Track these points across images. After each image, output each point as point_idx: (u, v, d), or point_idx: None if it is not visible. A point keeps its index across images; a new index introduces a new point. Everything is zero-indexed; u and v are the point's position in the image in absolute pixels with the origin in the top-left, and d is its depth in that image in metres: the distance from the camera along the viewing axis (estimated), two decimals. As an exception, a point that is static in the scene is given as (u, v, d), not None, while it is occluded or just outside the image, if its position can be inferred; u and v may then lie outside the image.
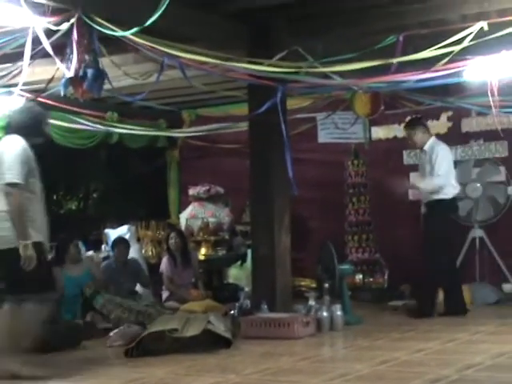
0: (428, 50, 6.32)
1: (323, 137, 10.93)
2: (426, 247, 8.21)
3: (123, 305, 7.95)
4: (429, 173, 8.33)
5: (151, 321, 7.16)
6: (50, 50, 5.93)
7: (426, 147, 8.44)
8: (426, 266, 8.18)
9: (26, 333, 5.58)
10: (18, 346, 5.49)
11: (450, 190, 8.31)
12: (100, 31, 5.94)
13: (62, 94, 6.16)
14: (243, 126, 9.29)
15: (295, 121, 9.77)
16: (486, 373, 5.18)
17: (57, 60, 6.04)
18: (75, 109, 9.61)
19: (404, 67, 6.72)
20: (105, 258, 10.14)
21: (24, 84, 7.88)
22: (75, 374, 5.71)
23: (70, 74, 5.92)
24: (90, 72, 5.96)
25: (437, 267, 8.10)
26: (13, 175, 5.53)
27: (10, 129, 5.88)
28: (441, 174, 8.23)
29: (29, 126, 5.86)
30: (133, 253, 9.84)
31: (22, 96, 7.78)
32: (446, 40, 6.26)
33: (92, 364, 6.13)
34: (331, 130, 10.72)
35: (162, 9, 5.51)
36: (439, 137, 10.30)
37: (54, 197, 13.25)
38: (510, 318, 8.03)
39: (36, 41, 5.94)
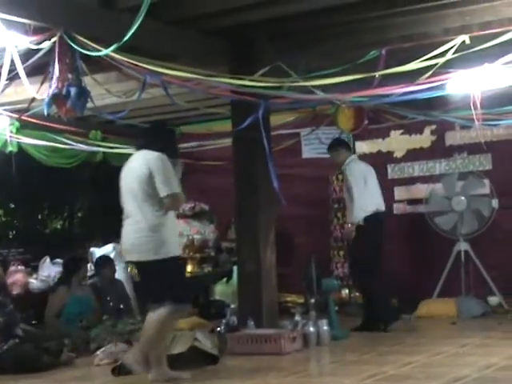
0: (411, 63, 6.34)
1: (307, 152, 10.96)
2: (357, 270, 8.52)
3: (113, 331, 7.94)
4: (348, 198, 8.54)
5: (137, 338, 7.11)
6: (22, 73, 5.90)
7: (343, 167, 8.67)
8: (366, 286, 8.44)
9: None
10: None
11: (369, 207, 8.43)
12: (81, 51, 5.94)
13: (46, 113, 6.13)
14: (227, 143, 9.31)
15: (279, 136, 9.79)
16: (474, 385, 5.19)
17: (26, 82, 5.99)
18: (59, 126, 9.59)
19: (387, 81, 6.75)
20: (90, 277, 10.08)
21: (6, 104, 7.92)
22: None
23: (53, 92, 5.90)
24: (73, 90, 5.94)
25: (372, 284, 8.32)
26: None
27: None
28: (356, 196, 8.37)
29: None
30: (118, 272, 9.80)
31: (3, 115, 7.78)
32: (428, 53, 6.29)
33: (80, 382, 6.09)
34: (315, 146, 10.74)
35: (138, 23, 5.48)
36: (423, 151, 10.43)
37: (39, 216, 13.18)
38: (496, 330, 8.06)
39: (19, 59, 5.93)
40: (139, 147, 6.08)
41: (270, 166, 7.43)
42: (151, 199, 5.76)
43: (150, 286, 5.91)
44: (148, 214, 5.76)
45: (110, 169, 11.51)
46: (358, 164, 8.75)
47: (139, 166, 5.85)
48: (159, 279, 5.75)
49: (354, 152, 10.58)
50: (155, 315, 5.75)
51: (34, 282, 9.93)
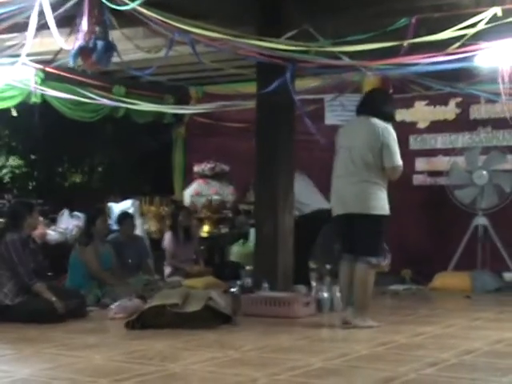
0: (441, 33, 6.27)
1: (330, 118, 10.88)
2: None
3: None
4: None
5: (152, 295, 7.18)
6: (52, 24, 5.89)
7: None
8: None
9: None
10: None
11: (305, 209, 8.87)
12: (109, 4, 5.91)
13: (72, 64, 6.14)
14: (250, 105, 9.27)
15: (302, 101, 9.74)
16: (484, 358, 5.20)
17: (56, 33, 5.98)
18: (83, 79, 9.59)
19: (415, 51, 6.69)
20: (109, 233, 10.14)
21: (32, 55, 7.90)
22: (77, 344, 5.73)
23: (80, 44, 5.90)
24: (99, 44, 5.94)
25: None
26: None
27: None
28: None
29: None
30: (136, 227, 9.85)
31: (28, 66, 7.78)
32: (458, 24, 6.22)
33: (93, 335, 6.16)
34: (339, 112, 10.67)
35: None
36: (447, 123, 10.36)
37: (59, 169, 13.24)
38: (510, 306, 8.06)
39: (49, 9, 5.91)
40: (362, 113, 6.62)
41: (309, 126, 7.38)
42: (375, 164, 6.41)
43: (364, 239, 6.45)
44: (372, 176, 6.41)
45: (132, 125, 11.56)
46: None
47: (369, 133, 6.44)
48: (373, 233, 6.45)
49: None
50: (362, 268, 6.44)
51: (52, 234, 10.01)
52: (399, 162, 6.46)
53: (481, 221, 9.82)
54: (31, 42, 6.33)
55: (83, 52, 5.91)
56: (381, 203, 6.45)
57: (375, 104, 6.63)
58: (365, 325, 6.48)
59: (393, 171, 6.47)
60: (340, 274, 6.71)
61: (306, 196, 8.97)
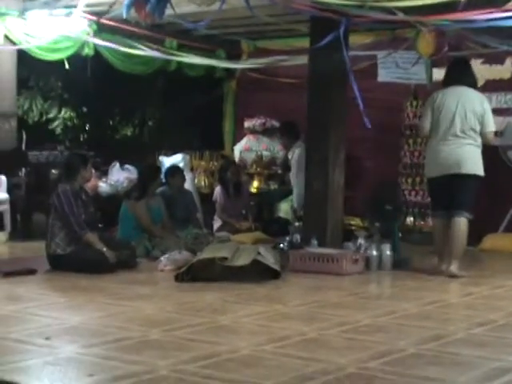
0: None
1: (383, 75, 10.72)
2: None
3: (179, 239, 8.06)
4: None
5: (201, 248, 7.22)
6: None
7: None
8: None
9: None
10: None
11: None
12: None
13: (125, 15, 6.15)
14: (303, 60, 9.20)
15: (355, 58, 9.63)
16: (535, 320, 5.16)
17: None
18: (136, 31, 9.59)
19: (472, 7, 6.56)
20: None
21: (87, 6, 7.92)
22: (127, 294, 5.81)
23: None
24: (153, -5, 5.93)
25: None
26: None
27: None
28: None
29: None
30: (186, 182, 9.90)
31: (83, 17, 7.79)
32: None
33: (143, 286, 6.25)
34: (392, 70, 10.51)
35: None
36: (502, 82, 10.18)
37: (110, 122, 13.32)
38: (562, 268, 7.97)
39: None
40: (462, 83, 7.32)
41: (354, 88, 7.32)
42: (478, 130, 7.19)
43: (465, 197, 7.19)
44: (477, 140, 7.21)
45: (184, 79, 11.56)
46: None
47: (475, 102, 7.24)
48: (472, 192, 7.23)
49: (431, 78, 10.42)
50: (462, 222, 7.14)
51: (103, 186, 10.11)
52: (494, 127, 7.44)
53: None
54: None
55: (137, 3, 5.91)
56: (481, 165, 7.24)
57: (472, 75, 7.50)
58: (463, 274, 7.10)
59: (491, 135, 7.33)
60: (435, 229, 7.46)
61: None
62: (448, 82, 7.39)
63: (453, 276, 7.03)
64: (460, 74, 7.38)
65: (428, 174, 7.51)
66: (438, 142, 7.24)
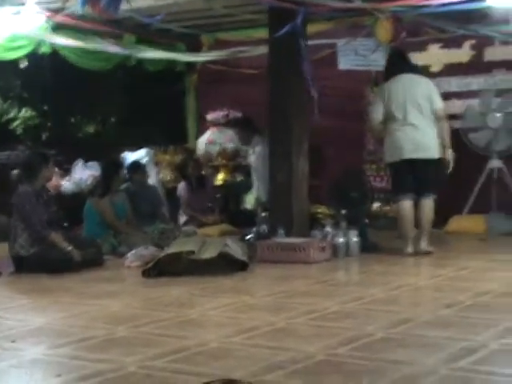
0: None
1: (343, 63, 10.70)
2: None
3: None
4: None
5: (168, 243, 7.20)
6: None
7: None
8: None
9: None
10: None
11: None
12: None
13: (80, 12, 6.09)
14: (263, 51, 9.19)
15: (315, 46, 9.65)
16: (499, 299, 5.21)
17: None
18: (93, 27, 9.49)
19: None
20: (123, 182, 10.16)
21: (41, 3, 7.83)
22: (93, 293, 5.78)
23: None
24: (107, -10, 5.88)
25: None
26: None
27: None
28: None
29: None
30: (151, 177, 9.86)
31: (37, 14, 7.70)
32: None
33: (110, 283, 6.22)
34: (352, 57, 10.51)
35: None
36: (461, 66, 10.24)
37: (72, 120, 13.22)
38: (526, 247, 8.05)
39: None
40: (408, 71, 7.71)
41: (307, 76, 7.35)
42: (430, 111, 7.51)
43: (429, 180, 7.57)
44: (432, 121, 7.52)
45: (145, 74, 11.49)
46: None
47: (426, 87, 7.63)
48: (437, 174, 7.60)
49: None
50: (430, 203, 7.54)
51: (67, 185, 10.04)
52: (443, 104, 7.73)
53: (495, 163, 9.76)
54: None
55: (92, -1, 5.86)
56: (438, 147, 7.57)
57: (410, 62, 7.95)
58: (432, 250, 7.50)
59: (442, 112, 7.62)
60: (404, 211, 7.61)
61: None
62: (391, 72, 7.74)
63: (424, 252, 7.41)
64: (400, 64, 7.76)
65: (388, 159, 7.73)
66: (396, 128, 7.51)
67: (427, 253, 7.43)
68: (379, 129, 7.76)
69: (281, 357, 3.74)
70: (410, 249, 7.47)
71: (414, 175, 7.52)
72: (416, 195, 7.57)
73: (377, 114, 7.64)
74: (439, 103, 7.63)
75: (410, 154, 7.48)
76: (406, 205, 7.58)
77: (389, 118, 7.57)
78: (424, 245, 7.51)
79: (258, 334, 4.26)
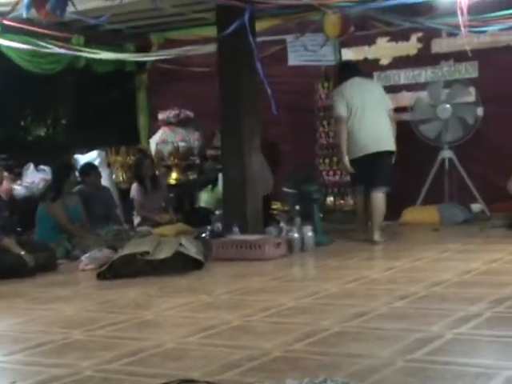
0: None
1: (293, 59, 10.76)
2: None
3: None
4: None
5: (122, 245, 7.17)
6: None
7: None
8: None
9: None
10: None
11: None
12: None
13: (25, 15, 6.03)
14: (212, 49, 9.18)
15: (265, 43, 9.67)
16: (453, 289, 5.28)
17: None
18: (41, 30, 9.40)
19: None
20: (76, 184, 10.08)
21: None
22: (48, 297, 5.73)
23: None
24: (53, -7, 5.83)
25: None
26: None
27: None
28: None
29: None
30: (103, 178, 9.79)
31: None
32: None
33: (64, 288, 6.16)
34: (301, 53, 10.56)
35: None
36: (409, 58, 10.36)
37: (22, 123, 13.07)
38: (478, 237, 8.16)
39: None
40: (359, 75, 8.39)
41: (260, 73, 7.35)
42: (385, 109, 8.17)
43: (384, 173, 8.00)
44: (387, 118, 8.13)
45: (95, 75, 11.41)
46: None
47: (376, 86, 8.62)
48: (389, 168, 8.06)
49: (340, 59, 10.53)
50: (381, 195, 7.96)
51: (18, 189, 9.92)
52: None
53: (447, 154, 9.88)
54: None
55: (36, 2, 5.79)
56: (394, 141, 8.14)
57: (359, 69, 8.68)
58: (382, 240, 7.90)
59: (392, 111, 8.34)
60: (358, 204, 8.35)
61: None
62: (345, 76, 8.34)
63: (375, 242, 7.84)
64: (351, 69, 8.53)
65: (353, 155, 8.09)
66: (357, 127, 8.00)
67: (378, 243, 7.85)
68: (343, 126, 8.07)
69: (237, 355, 3.74)
70: (363, 235, 8.08)
71: (370, 169, 7.93)
72: (369, 188, 8.04)
73: (341, 110, 8.04)
74: (390, 104, 8.33)
75: (373, 148, 7.97)
76: (360, 198, 8.25)
77: (349, 116, 8.01)
78: (376, 236, 7.91)
79: (215, 333, 4.26)
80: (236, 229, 7.64)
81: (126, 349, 3.97)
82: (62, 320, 4.83)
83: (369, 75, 8.91)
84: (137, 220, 9.71)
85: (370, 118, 8.04)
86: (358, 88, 8.19)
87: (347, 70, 8.54)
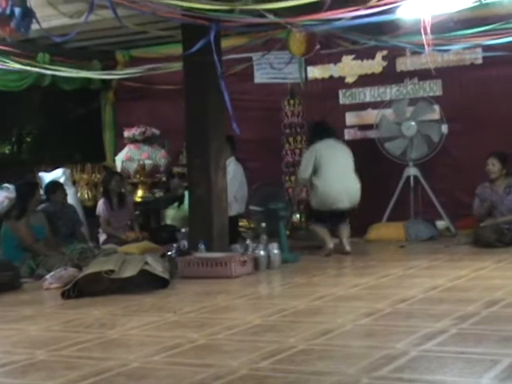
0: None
1: (259, 77, 10.83)
2: None
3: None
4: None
5: (87, 263, 7.11)
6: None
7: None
8: None
9: None
10: None
11: (235, 206, 9.35)
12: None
13: (-12, 33, 5.98)
14: (178, 67, 9.19)
15: (231, 61, 9.70)
16: (419, 306, 5.29)
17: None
18: (5, 48, 9.34)
19: (338, 6, 6.68)
20: (41, 203, 10.00)
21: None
22: (11, 317, 5.66)
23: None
24: (17, 10, 5.80)
25: None
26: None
27: None
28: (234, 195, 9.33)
29: None
30: (69, 196, 9.73)
31: None
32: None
33: (28, 307, 6.09)
34: (267, 70, 10.62)
35: None
36: (374, 76, 10.43)
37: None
38: (443, 253, 8.21)
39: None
40: (332, 137, 8.98)
41: (223, 92, 7.37)
42: (352, 169, 8.75)
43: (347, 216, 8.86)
44: (356, 177, 8.72)
45: (59, 93, 11.36)
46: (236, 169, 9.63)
47: (346, 148, 8.94)
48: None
49: (306, 77, 10.59)
50: (348, 226, 8.82)
51: (-18, 207, 9.82)
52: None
53: (412, 171, 9.96)
54: None
55: (1, 19, 5.76)
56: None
57: (331, 129, 9.13)
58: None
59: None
60: (320, 231, 8.69)
61: (241, 194, 9.52)
62: (319, 136, 8.83)
63: (349, 253, 8.43)
64: (324, 130, 8.98)
65: (316, 207, 8.70)
66: (326, 184, 8.56)
67: (348, 253, 8.42)
68: (305, 183, 8.83)
69: (203, 374, 3.72)
70: (330, 245, 8.51)
71: (336, 217, 8.72)
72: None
73: (307, 171, 8.62)
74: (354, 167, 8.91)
75: (338, 204, 8.59)
76: (323, 228, 8.75)
77: (320, 173, 8.57)
78: (347, 248, 8.53)
79: (180, 352, 4.23)
80: (202, 246, 7.62)
81: (91, 369, 3.92)
82: (25, 340, 4.77)
83: (340, 138, 9.55)
84: (102, 238, 9.65)
85: (340, 177, 8.56)
86: (330, 148, 8.74)
87: (322, 131, 8.95)
